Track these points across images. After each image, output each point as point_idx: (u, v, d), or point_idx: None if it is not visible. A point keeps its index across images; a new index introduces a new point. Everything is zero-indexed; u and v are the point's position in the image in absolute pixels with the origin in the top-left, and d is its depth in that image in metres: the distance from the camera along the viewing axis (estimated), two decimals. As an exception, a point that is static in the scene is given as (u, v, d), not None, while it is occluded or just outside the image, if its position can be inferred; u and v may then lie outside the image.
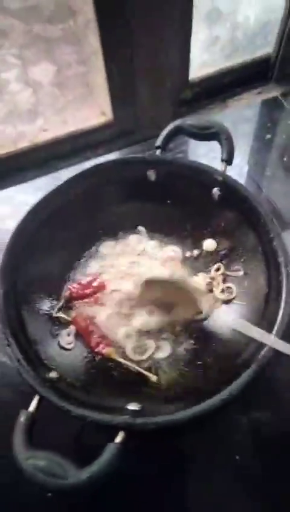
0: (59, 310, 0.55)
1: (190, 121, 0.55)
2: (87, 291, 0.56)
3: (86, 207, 0.56)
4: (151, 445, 0.49)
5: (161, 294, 0.54)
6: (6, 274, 0.49)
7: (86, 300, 0.56)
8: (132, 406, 0.43)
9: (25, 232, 0.52)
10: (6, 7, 0.64)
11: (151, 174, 0.56)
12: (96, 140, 0.85)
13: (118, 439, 0.39)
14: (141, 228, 0.61)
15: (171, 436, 0.49)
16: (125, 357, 0.51)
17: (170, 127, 0.56)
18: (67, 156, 0.84)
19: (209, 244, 0.59)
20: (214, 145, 0.56)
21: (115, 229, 0.60)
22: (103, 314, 0.55)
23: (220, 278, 0.56)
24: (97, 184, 0.56)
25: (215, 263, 0.57)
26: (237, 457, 0.49)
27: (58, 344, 0.51)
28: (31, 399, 0.42)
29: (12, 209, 0.75)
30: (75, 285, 0.57)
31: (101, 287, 0.56)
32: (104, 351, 0.52)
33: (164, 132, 0.56)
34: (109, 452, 0.38)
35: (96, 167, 0.56)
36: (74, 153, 0.85)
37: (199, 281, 0.57)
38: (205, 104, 0.95)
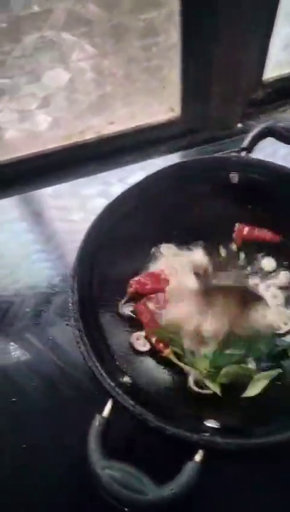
0: (124, 304, 0.53)
1: (282, 123, 0.52)
2: (151, 286, 0.54)
3: (163, 207, 0.54)
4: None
5: (227, 301, 0.51)
6: (82, 270, 0.47)
7: (151, 295, 0.54)
8: (210, 423, 0.41)
9: (100, 229, 0.50)
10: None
11: (234, 176, 0.54)
12: (161, 136, 0.83)
13: (198, 457, 0.37)
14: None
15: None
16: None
17: (260, 128, 0.53)
18: (131, 151, 0.82)
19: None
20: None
21: (192, 234, 0.57)
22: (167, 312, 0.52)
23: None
24: (176, 184, 0.54)
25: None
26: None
27: (132, 348, 0.49)
28: (102, 404, 0.41)
29: (78, 202, 0.74)
30: (139, 279, 0.54)
31: (165, 282, 0.54)
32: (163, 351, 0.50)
33: (252, 133, 0.53)
34: (188, 471, 0.36)
35: (178, 165, 0.54)
36: (137, 147, 0.83)
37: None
38: (275, 106, 0.90)
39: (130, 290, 0.54)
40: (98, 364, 0.41)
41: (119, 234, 0.51)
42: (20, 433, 0.51)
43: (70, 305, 0.44)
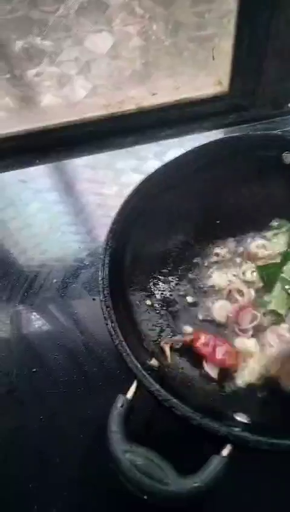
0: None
1: None
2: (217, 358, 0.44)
3: (206, 184, 0.50)
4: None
5: None
6: (114, 242, 0.44)
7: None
8: (241, 417, 0.38)
9: (135, 204, 0.47)
10: None
11: (288, 156, 0.49)
12: (206, 111, 0.78)
13: (225, 452, 0.34)
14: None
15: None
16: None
17: None
18: (172, 125, 0.78)
19: None
20: None
21: (240, 219, 0.53)
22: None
23: None
24: (222, 159, 0.50)
25: None
26: None
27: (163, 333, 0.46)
28: (126, 385, 0.39)
29: (112, 175, 0.72)
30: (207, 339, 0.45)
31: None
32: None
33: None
34: (215, 465, 0.34)
35: (224, 141, 0.49)
36: (179, 122, 0.78)
37: None
38: None
39: (185, 340, 0.46)
40: (124, 343, 0.39)
41: (155, 211, 0.47)
42: (39, 405, 0.51)
43: (100, 279, 0.42)
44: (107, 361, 0.52)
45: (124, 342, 0.39)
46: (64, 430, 0.49)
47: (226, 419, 0.38)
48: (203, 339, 0.44)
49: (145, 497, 0.33)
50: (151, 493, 0.32)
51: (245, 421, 0.38)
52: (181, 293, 0.51)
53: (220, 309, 0.49)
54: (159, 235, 0.49)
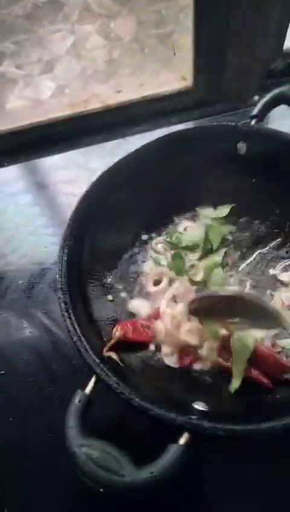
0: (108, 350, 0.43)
1: (298, 89, 0.47)
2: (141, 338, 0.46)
3: (162, 176, 0.50)
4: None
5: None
6: (72, 239, 0.44)
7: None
8: (199, 406, 0.38)
9: (93, 198, 0.47)
10: None
11: (242, 147, 0.49)
12: (173, 107, 0.79)
13: (182, 440, 0.35)
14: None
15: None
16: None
17: (272, 94, 0.49)
18: (139, 122, 0.79)
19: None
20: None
21: (191, 205, 0.53)
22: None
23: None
24: (177, 152, 0.50)
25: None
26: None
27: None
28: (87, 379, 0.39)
29: (77, 173, 0.72)
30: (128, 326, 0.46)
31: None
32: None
33: (264, 100, 0.49)
34: (171, 454, 0.34)
35: (180, 133, 0.50)
36: (146, 118, 0.79)
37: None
38: (296, 79, 0.84)
39: (117, 334, 0.45)
40: (82, 339, 0.39)
41: (112, 205, 0.47)
42: (8, 406, 0.50)
43: (57, 276, 0.42)
44: (75, 360, 0.51)
45: (82, 338, 0.39)
46: (33, 431, 0.49)
47: (185, 408, 0.38)
48: (119, 329, 0.44)
49: (101, 489, 0.33)
50: (107, 485, 0.32)
51: (203, 409, 0.38)
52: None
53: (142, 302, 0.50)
54: (116, 230, 0.49)
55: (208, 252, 0.51)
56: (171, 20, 0.69)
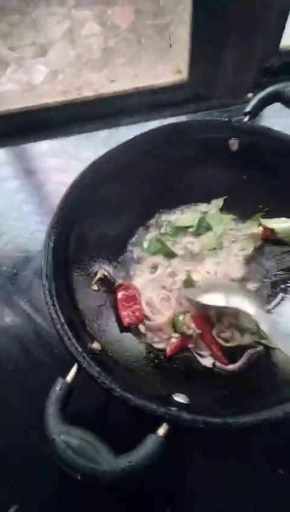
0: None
1: (292, 87, 0.47)
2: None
3: (153, 169, 0.50)
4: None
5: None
6: (59, 227, 0.44)
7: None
8: (179, 398, 0.38)
9: (83, 187, 0.47)
10: None
11: (234, 144, 0.49)
12: (166, 100, 0.78)
13: (161, 431, 0.35)
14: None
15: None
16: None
17: (267, 91, 0.49)
18: (132, 112, 0.78)
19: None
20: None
21: (181, 199, 0.53)
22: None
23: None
24: (169, 145, 0.50)
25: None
26: (281, 471, 0.43)
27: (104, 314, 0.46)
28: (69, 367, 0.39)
29: (67, 161, 0.71)
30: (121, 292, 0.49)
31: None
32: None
33: (259, 96, 0.49)
34: (150, 444, 0.34)
35: (172, 126, 0.49)
36: (139, 110, 0.78)
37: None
38: (290, 78, 0.85)
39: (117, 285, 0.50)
40: (65, 327, 0.39)
41: (102, 195, 0.47)
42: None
43: (43, 264, 0.42)
44: (58, 348, 0.51)
45: (65, 326, 0.39)
46: (18, 421, 0.48)
47: (165, 400, 0.38)
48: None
49: (79, 477, 0.33)
50: (85, 473, 0.32)
51: (184, 401, 0.38)
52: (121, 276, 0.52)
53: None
54: (105, 220, 0.49)
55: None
56: (170, 11, 0.69)
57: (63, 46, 0.70)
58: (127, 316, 0.46)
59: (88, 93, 0.75)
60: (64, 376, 0.38)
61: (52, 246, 0.43)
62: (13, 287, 0.57)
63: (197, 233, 0.51)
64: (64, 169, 0.71)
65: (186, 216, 0.53)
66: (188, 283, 0.49)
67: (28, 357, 0.51)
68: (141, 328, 0.47)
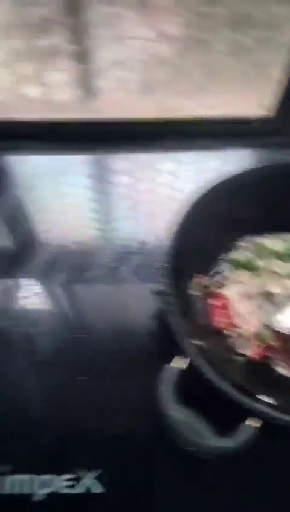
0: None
1: None
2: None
3: (266, 196, 0.56)
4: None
5: None
6: (178, 240, 0.50)
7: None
8: (265, 398, 0.45)
9: (203, 203, 0.53)
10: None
11: None
12: (250, 131, 0.84)
13: (253, 423, 0.42)
14: None
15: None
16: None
17: None
18: (214, 137, 0.84)
19: None
20: None
21: (280, 226, 0.60)
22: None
23: None
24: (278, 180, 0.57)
25: None
26: None
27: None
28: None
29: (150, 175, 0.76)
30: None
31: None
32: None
33: None
34: (246, 432, 0.41)
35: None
36: (221, 136, 0.84)
37: None
38: None
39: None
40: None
41: (215, 213, 0.54)
42: (84, 367, 0.56)
43: (158, 266, 0.49)
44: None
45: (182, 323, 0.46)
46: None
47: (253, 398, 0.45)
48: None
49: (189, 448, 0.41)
50: (191, 444, 0.40)
51: (271, 401, 0.44)
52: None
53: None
54: (206, 234, 0.55)
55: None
56: (272, 52, 0.75)
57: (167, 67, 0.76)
58: (218, 321, 0.55)
59: (179, 113, 0.81)
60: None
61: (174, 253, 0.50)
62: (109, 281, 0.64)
63: (286, 260, 0.58)
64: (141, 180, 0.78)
65: (279, 242, 0.60)
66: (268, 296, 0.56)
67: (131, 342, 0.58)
68: (229, 333, 0.54)
